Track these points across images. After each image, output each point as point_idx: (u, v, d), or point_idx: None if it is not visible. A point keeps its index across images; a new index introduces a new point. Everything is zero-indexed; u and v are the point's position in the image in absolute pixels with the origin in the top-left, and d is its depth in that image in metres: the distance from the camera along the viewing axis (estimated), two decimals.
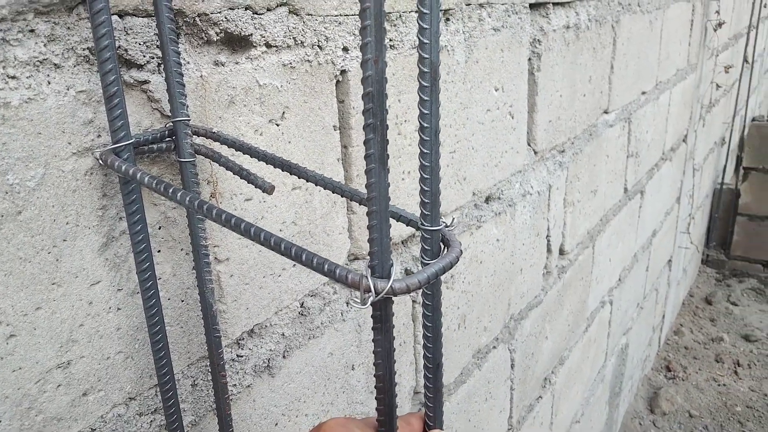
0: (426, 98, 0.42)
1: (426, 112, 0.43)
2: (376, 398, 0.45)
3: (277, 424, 0.81)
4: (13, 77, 0.47)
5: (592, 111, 1.71)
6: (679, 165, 3.01)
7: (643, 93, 2.16)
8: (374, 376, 0.45)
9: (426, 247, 0.46)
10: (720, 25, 3.03)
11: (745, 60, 4.24)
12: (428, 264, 0.44)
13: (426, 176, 0.44)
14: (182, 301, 0.65)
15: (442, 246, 0.47)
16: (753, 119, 4.39)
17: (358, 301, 0.40)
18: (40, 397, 0.54)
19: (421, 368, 1.05)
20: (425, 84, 0.42)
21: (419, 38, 0.41)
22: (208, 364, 0.70)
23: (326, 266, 0.42)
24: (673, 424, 3.03)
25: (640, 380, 3.22)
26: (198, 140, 0.61)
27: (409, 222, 0.50)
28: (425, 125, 0.43)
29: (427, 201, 0.45)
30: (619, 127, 1.98)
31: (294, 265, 0.79)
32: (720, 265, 4.56)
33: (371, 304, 0.42)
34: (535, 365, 1.66)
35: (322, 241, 0.83)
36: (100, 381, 0.58)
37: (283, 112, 0.72)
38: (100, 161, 0.53)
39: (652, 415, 3.08)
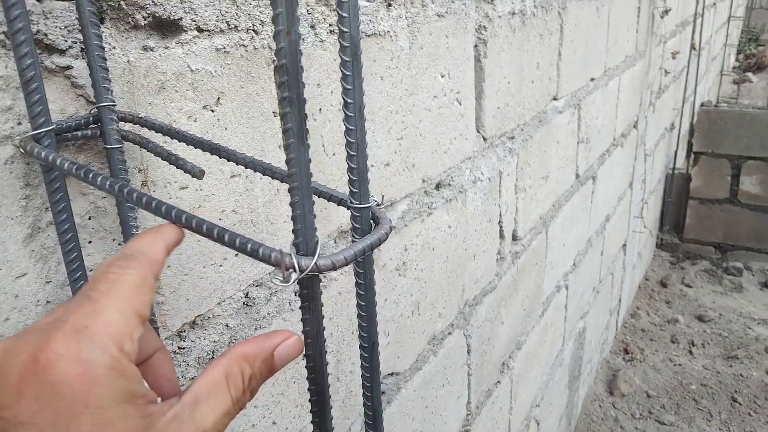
0: (348, 73, 0.42)
1: (349, 87, 0.42)
2: (307, 378, 0.44)
3: None
4: None
5: (541, 97, 1.73)
6: (631, 151, 3.08)
7: (592, 79, 2.20)
8: (303, 356, 0.44)
9: (356, 226, 0.46)
10: (666, 12, 3.11)
11: (693, 47, 4.35)
12: (356, 241, 0.44)
13: (352, 153, 0.44)
14: None
15: (373, 224, 0.47)
16: (701, 104, 4.51)
17: (280, 278, 0.40)
18: None
19: (360, 368, 1.05)
20: (346, 59, 0.42)
21: (338, 12, 0.40)
22: None
23: (249, 246, 0.41)
24: (632, 405, 3.10)
25: (599, 363, 3.28)
26: (127, 127, 0.60)
27: (339, 201, 0.49)
28: (349, 101, 0.43)
29: (354, 178, 0.45)
30: (569, 113, 2.01)
31: (236, 254, 0.78)
32: (674, 249, 4.69)
33: (297, 283, 0.42)
34: (492, 350, 1.67)
35: (265, 230, 0.82)
36: None
37: (218, 98, 0.71)
38: (20, 149, 0.51)
39: (611, 397, 3.15)
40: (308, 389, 0.45)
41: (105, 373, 0.32)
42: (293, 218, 0.40)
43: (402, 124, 1.07)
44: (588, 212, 2.45)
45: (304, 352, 0.44)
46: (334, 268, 0.41)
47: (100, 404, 0.31)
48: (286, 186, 0.84)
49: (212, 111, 0.71)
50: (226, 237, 0.41)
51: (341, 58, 0.42)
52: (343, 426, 1.05)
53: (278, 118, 0.81)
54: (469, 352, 1.53)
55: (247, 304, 0.81)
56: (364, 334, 0.48)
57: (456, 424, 1.53)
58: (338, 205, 0.50)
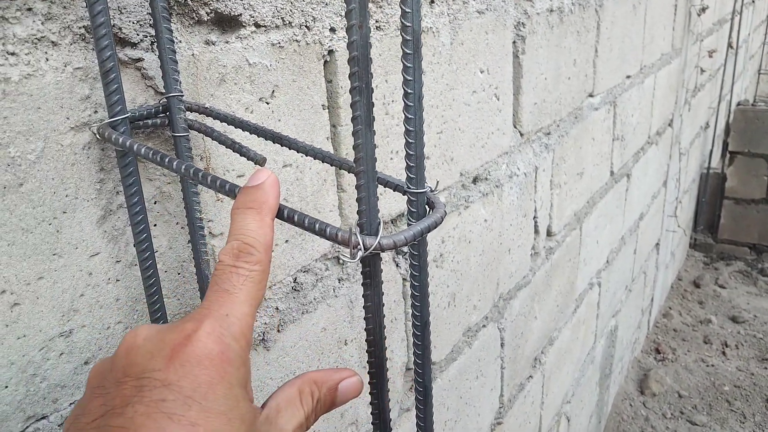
0: (409, 65, 0.45)
1: (409, 78, 0.45)
2: (367, 351, 0.47)
3: None
4: (13, 54, 0.49)
5: (578, 94, 1.74)
6: (665, 149, 3.05)
7: (628, 77, 2.19)
8: (365, 329, 0.47)
9: (412, 210, 0.48)
10: (703, 10, 3.07)
11: (730, 45, 4.29)
12: (414, 223, 0.46)
13: (411, 140, 0.46)
14: (179, 274, 0.67)
15: (428, 209, 0.49)
16: (738, 104, 4.44)
17: (348, 257, 0.43)
18: (44, 364, 0.56)
19: (412, 345, 1.08)
20: (408, 51, 0.44)
21: (401, 8, 0.43)
22: None
23: (317, 225, 0.44)
24: (663, 404, 3.08)
25: (630, 362, 3.26)
26: (191, 116, 0.63)
27: (396, 187, 0.52)
28: (409, 91, 0.45)
29: (412, 164, 0.47)
30: (605, 110, 2.01)
31: (286, 241, 0.81)
32: (708, 249, 4.62)
33: (360, 260, 0.45)
34: (524, 344, 1.69)
35: None
36: (101, 350, 0.60)
37: (273, 91, 0.74)
38: (98, 135, 0.55)
39: (642, 396, 3.14)
40: (367, 362, 0.48)
41: (235, 358, 0.38)
42: (358, 200, 0.43)
43: (442, 118, 1.09)
44: (622, 210, 2.44)
45: (366, 340, 0.47)
46: (395, 247, 0.44)
47: (231, 381, 0.37)
48: (333, 177, 0.87)
49: (267, 103, 0.74)
50: (296, 217, 0.45)
51: (403, 50, 0.44)
52: (365, 398, 1.08)
53: (326, 111, 0.84)
54: (502, 345, 1.55)
55: (295, 289, 0.84)
56: (417, 313, 0.51)
57: (489, 416, 1.55)
58: (394, 190, 0.52)
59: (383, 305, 0.47)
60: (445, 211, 0.48)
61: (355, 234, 0.43)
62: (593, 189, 2.04)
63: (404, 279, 1.09)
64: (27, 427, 0.56)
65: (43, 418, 0.57)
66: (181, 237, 0.67)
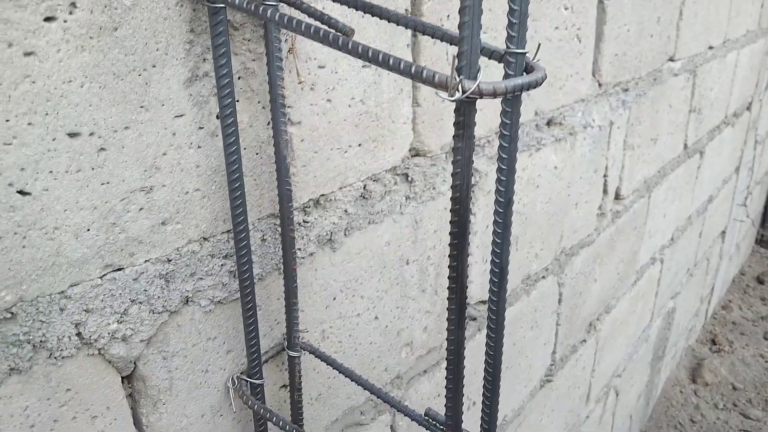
0: None
1: None
2: (451, 210, 0.46)
3: (335, 298, 0.83)
4: None
5: (658, 55, 1.67)
6: (741, 133, 2.91)
7: (710, 47, 2.09)
8: (451, 186, 0.46)
9: (509, 72, 0.46)
10: None
11: None
12: (513, 77, 0.44)
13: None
14: (256, 153, 0.67)
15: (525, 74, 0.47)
16: None
17: (446, 95, 0.41)
18: (124, 215, 0.57)
19: (489, 281, 1.07)
20: None
21: None
22: (277, 223, 0.72)
23: (413, 68, 0.42)
24: (715, 395, 2.98)
25: (683, 349, 3.17)
26: None
27: (492, 53, 0.50)
28: None
29: (514, 21, 0.45)
30: (684, 78, 1.92)
31: (359, 144, 0.80)
32: None
33: (454, 110, 0.43)
34: (582, 305, 1.65)
35: (386, 127, 0.84)
36: (178, 213, 0.61)
37: None
38: None
39: (693, 385, 3.04)
40: (450, 221, 0.47)
41: None
42: (460, 40, 0.41)
43: None
44: (692, 187, 2.35)
45: (451, 181, 0.46)
46: (495, 95, 0.42)
47: None
48: (409, 87, 0.86)
49: None
50: (391, 60, 0.43)
51: None
52: (437, 339, 1.07)
53: (411, 15, 0.82)
54: (560, 301, 1.51)
55: (364, 196, 0.84)
56: (503, 178, 0.49)
57: (540, 371, 1.52)
58: (489, 57, 0.50)
59: (473, 161, 0.45)
60: (545, 74, 0.46)
61: (454, 76, 0.42)
62: (665, 158, 1.96)
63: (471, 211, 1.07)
64: (104, 274, 0.57)
65: (119, 269, 0.58)
66: (261, 117, 0.67)
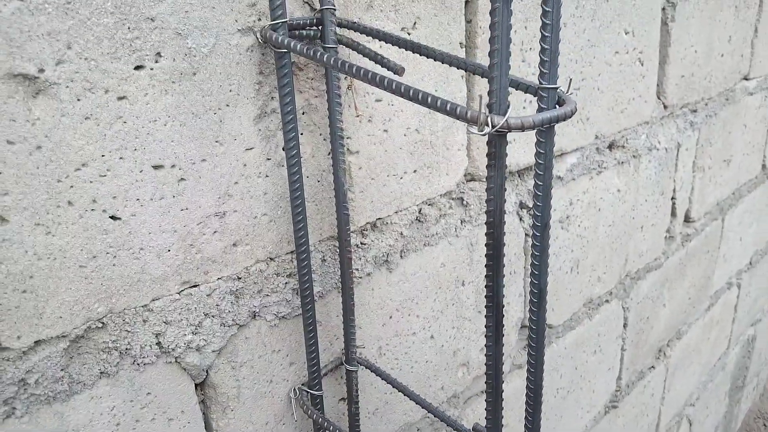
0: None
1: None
2: (486, 234, 0.50)
3: (391, 317, 0.88)
4: None
5: (731, 74, 1.64)
6: None
7: None
8: (485, 212, 0.50)
9: (542, 106, 0.50)
10: None
11: None
12: (544, 110, 0.48)
13: (546, 34, 0.48)
14: (318, 181, 0.73)
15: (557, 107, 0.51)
16: None
17: (476, 129, 0.45)
18: (200, 238, 0.64)
19: (529, 302, 1.09)
20: None
21: None
22: (336, 245, 0.78)
23: (448, 106, 0.47)
24: None
25: (767, 380, 3.01)
26: (340, 32, 0.69)
27: (527, 88, 0.54)
28: (547, 9, 0.47)
29: (546, 59, 0.49)
30: (761, 96, 1.87)
31: (414, 171, 0.85)
32: None
33: (486, 143, 0.47)
34: (649, 331, 1.62)
35: (441, 154, 0.88)
36: (248, 236, 0.68)
37: (415, 22, 0.78)
38: (261, 37, 0.62)
39: None
40: (485, 245, 0.51)
41: None
42: (489, 80, 0.46)
43: (580, 74, 1.08)
44: None
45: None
46: (523, 128, 0.46)
47: None
48: None
49: (408, 34, 0.78)
50: (429, 99, 0.48)
51: None
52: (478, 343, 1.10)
53: (464, 49, 0.87)
54: (625, 326, 1.50)
55: (419, 220, 0.88)
56: (539, 203, 0.52)
57: (604, 397, 1.51)
58: (525, 92, 0.54)
59: (505, 189, 0.49)
60: (575, 107, 0.49)
61: (485, 113, 0.46)
62: (741, 180, 1.91)
63: (526, 234, 1.10)
64: (182, 290, 0.64)
65: (195, 286, 0.65)
66: (322, 147, 0.73)
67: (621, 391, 1.58)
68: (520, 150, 1.01)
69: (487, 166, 0.49)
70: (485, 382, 0.57)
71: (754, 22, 1.68)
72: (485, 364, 0.56)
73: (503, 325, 0.56)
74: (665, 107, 1.38)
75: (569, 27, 1.03)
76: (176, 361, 0.65)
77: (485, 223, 0.50)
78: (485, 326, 0.54)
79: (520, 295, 1.12)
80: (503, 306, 0.54)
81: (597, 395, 1.47)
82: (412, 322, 0.91)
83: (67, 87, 0.52)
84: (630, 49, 1.20)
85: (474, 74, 0.59)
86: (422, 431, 1.01)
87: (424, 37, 0.80)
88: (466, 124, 0.46)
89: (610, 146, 1.25)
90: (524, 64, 0.95)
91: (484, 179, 0.96)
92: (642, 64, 1.25)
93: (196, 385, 0.69)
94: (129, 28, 0.54)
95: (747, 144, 1.87)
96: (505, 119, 0.45)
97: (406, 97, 0.49)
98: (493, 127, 0.45)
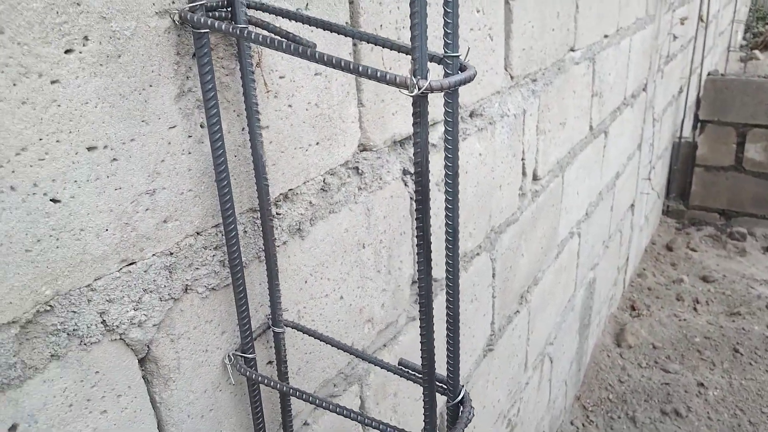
0: None
1: None
2: (414, 182, 0.58)
3: (306, 281, 0.94)
4: None
5: (560, 46, 1.86)
6: (640, 113, 3.20)
7: (606, 36, 2.32)
8: (413, 164, 0.58)
9: (448, 72, 0.59)
10: None
11: (700, 18, 4.45)
12: (453, 75, 0.57)
13: (448, 10, 0.57)
14: (235, 156, 0.78)
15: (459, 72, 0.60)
16: (708, 73, 4.61)
17: (407, 92, 0.54)
18: (134, 216, 0.66)
19: (417, 260, 1.20)
20: None
21: None
22: (255, 216, 0.82)
23: (378, 73, 0.55)
24: (639, 355, 3.26)
25: (607, 317, 3.43)
26: (250, 13, 0.73)
27: (432, 57, 0.63)
28: None
29: (449, 32, 0.58)
30: (585, 65, 2.14)
31: (317, 143, 0.92)
32: (680, 215, 4.82)
33: (412, 104, 0.56)
34: (513, 278, 1.82)
35: (338, 126, 0.95)
36: (176, 212, 0.71)
37: (307, 4, 0.84)
38: (179, 19, 0.65)
39: (619, 348, 3.31)
40: (414, 191, 0.59)
41: None
42: (412, 49, 0.54)
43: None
44: (600, 165, 2.58)
45: (413, 162, 0.58)
46: (442, 89, 0.55)
47: None
48: (354, 90, 0.98)
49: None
50: (360, 67, 0.55)
51: None
52: (393, 315, 1.20)
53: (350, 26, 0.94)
54: (494, 275, 1.67)
55: (324, 189, 0.95)
56: (450, 155, 0.62)
57: (482, 340, 1.68)
58: (431, 61, 0.63)
59: (428, 144, 0.58)
60: (476, 71, 0.59)
61: (411, 78, 0.54)
62: (574, 140, 2.17)
63: (411, 198, 1.20)
64: (121, 267, 0.66)
65: (132, 263, 0.67)
66: (237, 123, 0.77)
67: (495, 334, 1.76)
68: (402, 122, 1.11)
69: (413, 124, 0.57)
70: (419, 310, 0.66)
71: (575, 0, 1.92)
72: (418, 294, 0.65)
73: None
74: (512, 78, 1.56)
75: (432, 6, 1.13)
76: (121, 338, 0.67)
77: (414, 172, 0.58)
78: (417, 261, 0.63)
79: (409, 253, 1.23)
80: (430, 243, 0.63)
81: (476, 339, 1.64)
82: (324, 285, 0.98)
83: (3, 72, 0.52)
84: (482, 26, 1.34)
85: (391, 49, 0.66)
86: (338, 386, 1.08)
87: (315, 15, 0.86)
88: (398, 88, 0.54)
89: (471, 114, 1.39)
90: (401, 41, 1.05)
91: (374, 149, 1.05)
92: (492, 40, 1.40)
93: (139, 360, 0.71)
94: (57, 12, 0.55)
95: (577, 108, 2.13)
96: (428, 83, 0.54)
97: (344, 69, 0.56)
98: (419, 89, 0.54)
